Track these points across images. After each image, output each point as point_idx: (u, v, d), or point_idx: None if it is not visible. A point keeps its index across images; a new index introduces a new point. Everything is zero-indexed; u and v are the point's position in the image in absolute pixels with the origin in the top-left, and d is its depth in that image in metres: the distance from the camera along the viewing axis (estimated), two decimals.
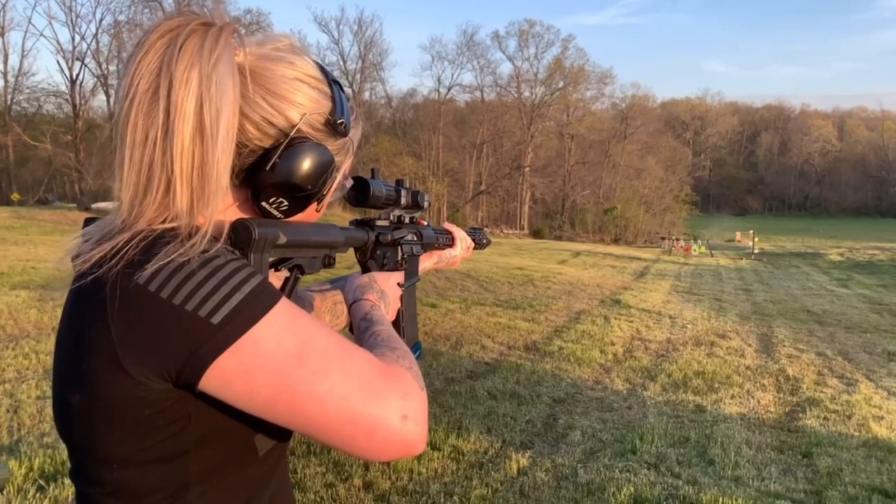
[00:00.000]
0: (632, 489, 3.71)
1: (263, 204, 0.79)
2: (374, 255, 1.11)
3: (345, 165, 0.88)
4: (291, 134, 0.77)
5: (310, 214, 0.87)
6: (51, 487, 3.20)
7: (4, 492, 3.13)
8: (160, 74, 0.67)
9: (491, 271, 14.13)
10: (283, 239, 0.79)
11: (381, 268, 1.12)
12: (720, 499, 3.66)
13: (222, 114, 0.69)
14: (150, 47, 0.68)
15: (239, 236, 0.74)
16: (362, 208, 1.08)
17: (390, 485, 3.59)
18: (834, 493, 3.91)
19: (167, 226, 0.69)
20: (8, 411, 4.24)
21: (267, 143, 0.77)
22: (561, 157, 57.89)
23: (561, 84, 58.20)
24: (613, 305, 11.33)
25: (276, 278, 0.87)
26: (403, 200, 1.15)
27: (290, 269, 0.86)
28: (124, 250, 0.67)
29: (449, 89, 58.78)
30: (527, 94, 58.52)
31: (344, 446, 0.70)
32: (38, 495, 3.14)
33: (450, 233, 1.42)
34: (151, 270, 0.65)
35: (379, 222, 1.12)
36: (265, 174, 0.77)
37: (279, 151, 0.76)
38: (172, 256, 0.66)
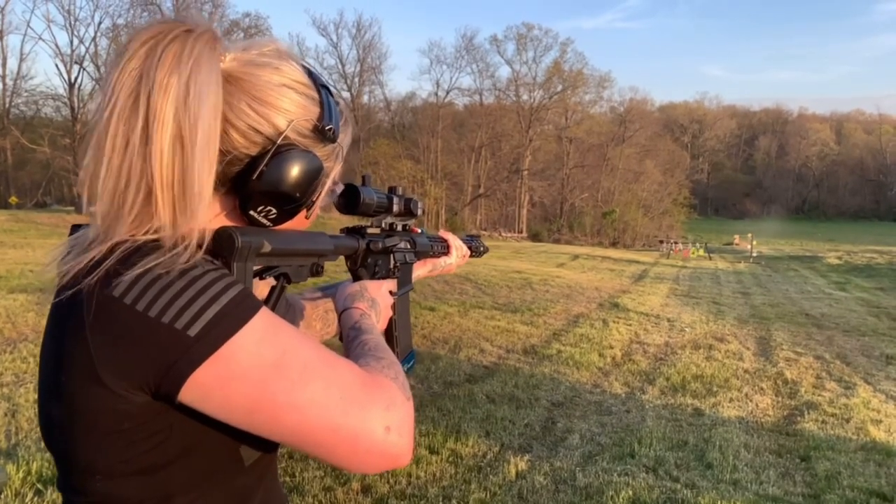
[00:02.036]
0: (630, 493, 3.71)
1: (251, 213, 0.78)
2: (364, 264, 1.10)
3: (334, 171, 0.87)
4: (278, 141, 0.76)
5: (299, 222, 0.86)
6: (48, 491, 3.19)
7: (2, 496, 3.12)
8: (141, 81, 0.67)
9: (489, 275, 14.13)
10: (267, 247, 0.77)
11: (373, 276, 1.10)
12: (718, 502, 3.67)
13: (200, 120, 0.68)
14: (133, 54, 0.67)
15: (221, 245, 0.73)
16: (353, 216, 1.06)
17: (388, 488, 3.59)
18: (832, 497, 3.91)
19: (148, 237, 0.68)
20: (6, 415, 4.23)
21: (253, 151, 0.76)
22: (559, 160, 58.00)
23: (559, 88, 58.37)
24: (612, 309, 11.33)
25: (264, 286, 0.86)
26: (396, 208, 1.13)
27: (276, 278, 0.85)
28: (103, 262, 0.66)
29: (447, 93, 58.91)
30: (525, 97, 58.67)
31: (327, 458, 0.69)
32: (35, 499, 3.14)
33: (445, 241, 1.40)
34: (127, 282, 0.65)
35: (370, 230, 1.10)
36: (252, 182, 0.76)
37: (266, 159, 0.75)
38: (149, 267, 0.65)
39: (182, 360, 0.64)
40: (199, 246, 0.69)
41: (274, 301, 0.83)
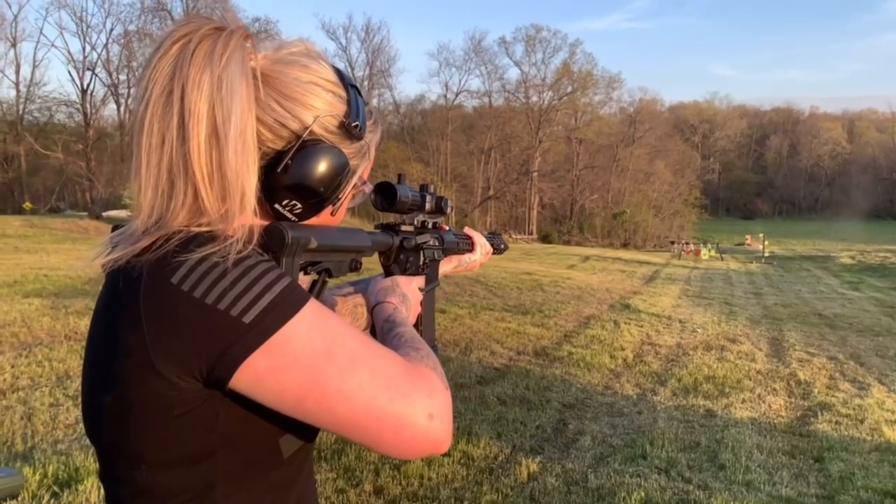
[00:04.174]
0: (642, 494, 3.70)
1: (276, 206, 0.79)
2: (397, 260, 1.13)
3: (361, 169, 0.88)
4: (304, 136, 0.77)
5: (325, 219, 0.86)
6: (65, 494, 3.22)
7: (19, 498, 3.16)
8: (173, 78, 0.69)
9: (500, 276, 14.12)
10: (314, 243, 0.80)
11: (404, 272, 1.14)
12: (731, 503, 3.65)
13: (232, 114, 0.69)
14: (165, 52, 0.69)
15: (272, 239, 0.75)
16: (383, 213, 1.09)
17: (401, 490, 3.60)
18: (846, 498, 3.89)
19: (202, 229, 0.70)
20: (22, 418, 4.27)
21: (280, 146, 0.77)
22: (569, 161, 57.85)
23: (569, 89, 58.18)
24: (623, 310, 11.30)
25: (304, 281, 0.88)
26: (428, 206, 1.16)
27: (319, 273, 0.87)
28: (158, 250, 0.68)
29: (457, 95, 58.94)
30: (534, 99, 58.53)
31: (371, 444, 0.71)
32: (52, 502, 3.17)
33: (470, 238, 1.43)
34: (184, 270, 0.67)
35: (403, 227, 1.14)
36: (277, 176, 0.77)
37: (291, 153, 0.77)
38: (205, 255, 0.67)
39: (236, 346, 0.65)
40: (250, 239, 0.71)
41: (316, 294, 0.85)
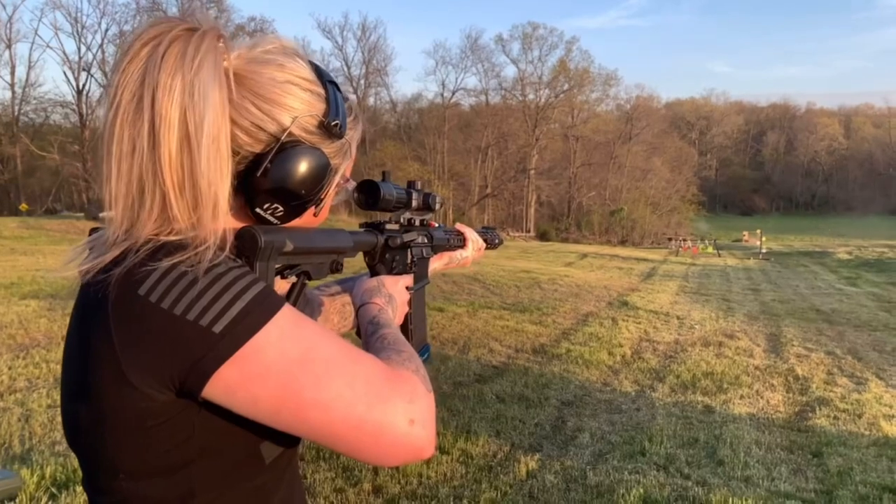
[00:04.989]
0: (641, 491, 3.71)
1: (258, 210, 0.77)
2: (383, 259, 1.10)
3: (342, 168, 0.85)
4: (283, 138, 0.75)
5: (308, 220, 0.84)
6: (62, 495, 3.22)
7: (17, 500, 3.15)
8: (143, 83, 0.66)
9: (498, 274, 14.12)
10: (289, 246, 0.78)
11: (391, 271, 1.11)
12: (730, 499, 3.66)
13: (205, 120, 0.67)
14: (134, 56, 0.67)
15: (244, 244, 0.73)
16: (372, 211, 1.06)
17: (399, 489, 3.60)
18: (844, 493, 3.90)
19: (171, 238, 0.68)
20: (19, 420, 4.27)
21: (258, 149, 0.75)
22: (566, 159, 57.87)
23: (565, 86, 58.21)
24: (621, 307, 11.31)
25: (284, 283, 0.86)
26: (414, 203, 1.13)
27: (297, 276, 0.85)
28: (126, 262, 0.67)
29: (453, 93, 58.94)
30: (531, 96, 58.54)
31: (351, 452, 0.70)
32: (49, 503, 3.17)
33: (461, 234, 1.39)
34: (152, 280, 0.65)
35: (389, 225, 1.10)
36: (258, 180, 0.75)
37: (270, 156, 0.74)
38: (173, 265, 0.66)
39: (207, 357, 0.64)
40: (222, 245, 0.69)
41: (295, 298, 0.83)
